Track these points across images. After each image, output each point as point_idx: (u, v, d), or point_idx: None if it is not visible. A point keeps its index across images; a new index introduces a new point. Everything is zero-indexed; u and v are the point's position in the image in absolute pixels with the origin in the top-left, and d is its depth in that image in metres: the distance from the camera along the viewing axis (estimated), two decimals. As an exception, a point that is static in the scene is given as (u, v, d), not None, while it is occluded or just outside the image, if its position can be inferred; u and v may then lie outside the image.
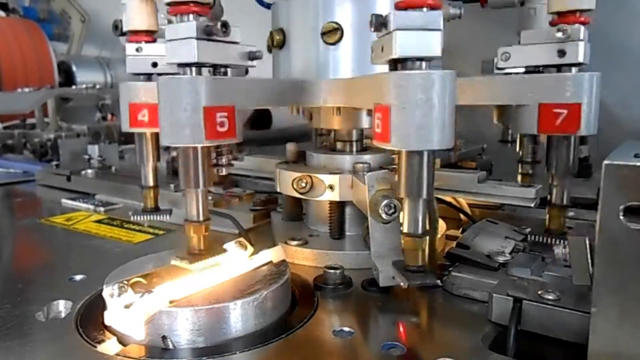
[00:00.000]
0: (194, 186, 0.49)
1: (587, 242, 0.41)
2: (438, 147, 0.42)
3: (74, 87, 2.03)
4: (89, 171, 1.15)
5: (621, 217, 0.35)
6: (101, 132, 1.57)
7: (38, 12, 2.55)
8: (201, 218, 0.50)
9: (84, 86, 1.86)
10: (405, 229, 0.46)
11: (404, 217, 0.46)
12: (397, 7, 0.42)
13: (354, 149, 0.69)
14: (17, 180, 1.26)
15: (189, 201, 0.50)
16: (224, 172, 0.59)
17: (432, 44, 0.41)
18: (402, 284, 0.46)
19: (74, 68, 2.23)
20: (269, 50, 0.69)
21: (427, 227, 0.47)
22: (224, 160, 0.52)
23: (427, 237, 0.46)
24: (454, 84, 0.42)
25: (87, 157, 1.29)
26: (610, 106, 1.01)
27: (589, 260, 0.41)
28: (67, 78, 2.24)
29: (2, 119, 1.85)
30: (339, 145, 0.70)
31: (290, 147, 0.74)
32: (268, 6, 0.72)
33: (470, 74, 0.58)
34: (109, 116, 1.77)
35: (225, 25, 0.45)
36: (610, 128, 0.95)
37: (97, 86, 1.88)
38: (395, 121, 0.42)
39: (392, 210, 0.52)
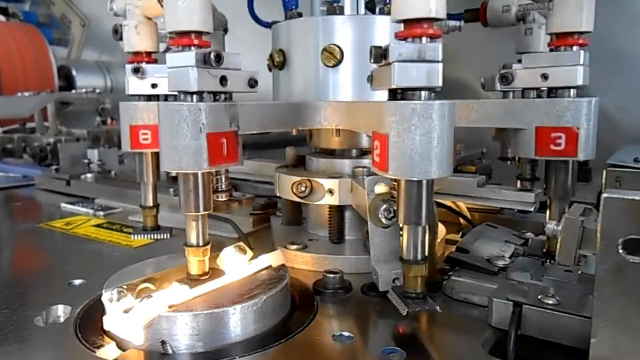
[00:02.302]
0: (194, 210, 0.48)
1: (581, 224, 0.41)
2: (436, 176, 0.42)
3: (73, 91, 2.03)
4: (89, 175, 1.15)
5: (620, 251, 0.35)
6: (101, 136, 1.57)
7: (38, 17, 2.56)
8: (200, 243, 0.50)
9: (83, 90, 1.86)
10: (404, 255, 0.47)
11: (403, 243, 0.47)
12: (397, 37, 0.42)
13: (353, 153, 0.69)
14: (16, 185, 1.26)
15: (189, 226, 0.49)
16: (223, 197, 0.59)
17: (431, 74, 0.41)
18: (401, 311, 0.46)
19: (74, 72, 2.23)
20: (270, 70, 0.70)
21: (426, 252, 0.47)
22: (223, 186, 0.52)
23: (427, 264, 0.47)
24: (453, 114, 0.42)
25: (86, 161, 1.29)
26: (609, 110, 1.01)
27: (579, 243, 0.41)
28: (67, 82, 2.24)
29: (1, 123, 1.85)
30: (338, 149, 0.70)
31: (290, 151, 0.75)
32: (267, 25, 0.72)
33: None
34: (109, 120, 1.77)
35: (218, 55, 0.45)
36: (610, 132, 0.95)
37: (97, 90, 1.88)
38: (394, 150, 0.42)
39: (392, 215, 0.52)
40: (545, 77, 0.54)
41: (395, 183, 0.47)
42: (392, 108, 0.42)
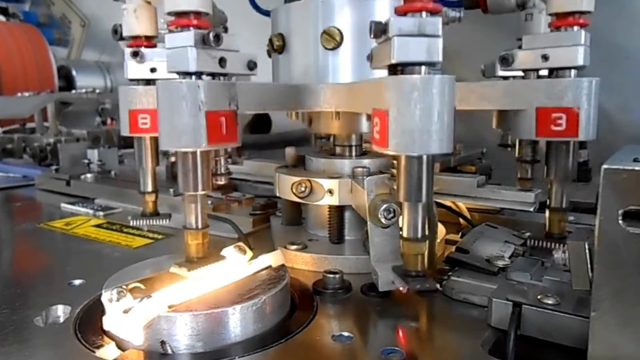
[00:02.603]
0: (193, 190, 0.48)
1: (587, 246, 0.41)
2: (437, 151, 0.42)
3: (73, 91, 2.03)
4: (89, 175, 1.15)
5: (620, 222, 0.35)
6: (101, 136, 1.57)
7: (38, 17, 2.56)
8: (199, 226, 0.50)
9: (83, 90, 1.86)
10: (404, 234, 0.46)
11: (403, 221, 0.46)
12: (397, 12, 0.42)
13: (353, 153, 0.69)
14: (16, 185, 1.26)
15: (188, 208, 0.50)
16: (222, 181, 0.59)
17: (431, 49, 0.41)
18: (401, 288, 0.45)
19: (73, 72, 2.23)
20: (269, 55, 0.69)
21: (427, 231, 0.47)
22: (222, 169, 0.52)
23: (427, 242, 0.46)
24: (453, 89, 0.42)
25: (86, 161, 1.29)
26: (609, 110, 1.01)
27: (588, 265, 0.41)
28: (67, 82, 2.25)
29: (1, 123, 1.85)
30: (338, 149, 0.70)
31: (290, 151, 0.74)
32: (267, 13, 0.72)
33: (469, 79, 0.58)
34: (109, 120, 1.77)
35: (217, 36, 0.45)
36: (610, 132, 0.95)
37: (97, 91, 1.88)
38: (394, 126, 0.42)
39: (391, 215, 0.52)
40: (545, 57, 0.53)
41: (394, 183, 0.47)
42: (391, 83, 0.42)
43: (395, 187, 0.46)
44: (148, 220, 0.68)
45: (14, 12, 2.56)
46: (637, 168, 0.34)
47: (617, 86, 1.00)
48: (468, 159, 0.94)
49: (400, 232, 0.47)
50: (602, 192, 0.35)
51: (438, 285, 0.45)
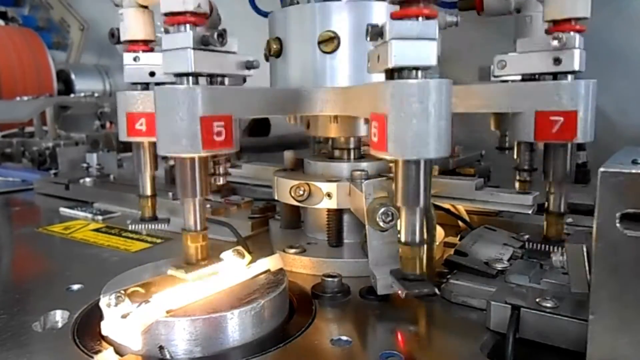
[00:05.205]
0: (191, 196, 0.49)
1: (585, 249, 0.41)
2: (434, 155, 0.42)
3: (72, 95, 2.03)
4: (88, 179, 1.15)
5: (618, 225, 0.35)
6: (100, 140, 1.57)
7: (37, 21, 2.55)
8: (198, 228, 0.50)
9: (82, 94, 1.86)
10: (402, 238, 0.46)
11: (401, 225, 0.46)
12: (393, 16, 0.42)
13: (352, 156, 0.69)
14: (15, 189, 1.26)
15: (186, 211, 0.50)
16: (221, 181, 0.59)
17: (427, 53, 0.41)
18: (400, 292, 0.45)
19: (72, 76, 2.23)
20: (266, 59, 0.69)
21: (425, 235, 0.47)
22: (221, 170, 0.52)
23: (424, 246, 0.46)
24: (450, 92, 0.42)
25: (85, 165, 1.29)
26: (608, 112, 1.01)
27: (587, 268, 0.41)
28: (66, 86, 2.24)
29: (0, 127, 1.85)
30: (336, 152, 0.70)
31: (288, 154, 0.75)
32: (266, 14, 0.72)
33: (466, 81, 0.58)
34: (108, 124, 1.77)
35: (221, 35, 0.45)
36: (608, 134, 0.95)
37: (96, 94, 1.88)
38: (392, 130, 0.42)
39: (390, 218, 0.52)
40: (542, 62, 0.53)
41: (392, 180, 0.47)
42: (389, 87, 0.42)
43: (393, 190, 0.46)
44: (147, 225, 0.68)
45: (12, 16, 2.56)
46: (634, 171, 0.34)
47: (615, 88, 1.01)
48: (467, 162, 0.94)
49: (398, 236, 0.47)
50: (599, 194, 0.35)
51: (436, 290, 0.45)
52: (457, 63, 1.04)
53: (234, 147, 0.50)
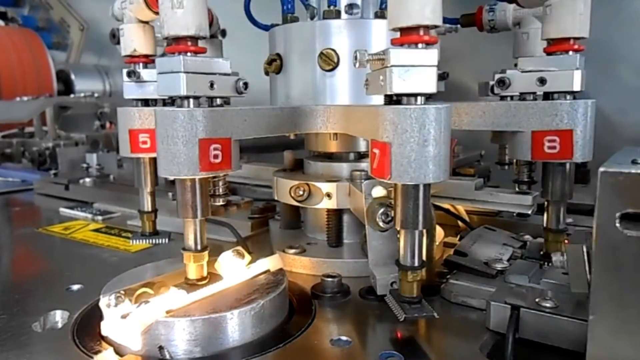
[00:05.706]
0: (192, 217, 0.48)
1: (585, 249, 0.41)
2: (433, 180, 0.42)
3: (72, 95, 2.03)
4: (87, 180, 1.15)
5: (618, 225, 0.35)
6: (99, 140, 1.57)
7: (37, 21, 2.55)
8: (199, 248, 0.50)
9: (82, 95, 1.86)
10: (401, 261, 0.47)
11: (400, 248, 0.47)
12: (394, 43, 0.42)
13: (351, 156, 0.69)
14: (15, 189, 1.26)
15: (187, 231, 0.49)
16: (220, 202, 0.59)
17: (427, 80, 0.41)
18: (398, 316, 0.46)
19: (72, 76, 2.23)
20: (266, 74, 0.70)
21: (424, 257, 0.47)
22: (220, 190, 0.52)
23: (424, 269, 0.47)
24: (449, 117, 0.42)
25: (85, 165, 1.29)
26: (607, 112, 1.01)
27: (587, 268, 0.41)
28: (66, 86, 2.24)
29: (0, 127, 1.85)
30: (336, 153, 0.70)
31: (288, 154, 0.75)
32: (266, 28, 0.72)
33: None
34: (108, 124, 1.77)
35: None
36: (608, 134, 0.95)
37: (96, 95, 1.88)
38: (391, 155, 0.42)
39: (389, 219, 0.52)
40: (542, 81, 0.54)
41: (392, 188, 0.47)
42: (388, 113, 0.42)
43: (393, 190, 0.46)
44: (148, 240, 0.71)
45: (12, 17, 2.56)
46: (634, 171, 0.34)
47: (615, 88, 1.01)
48: (467, 162, 0.94)
49: (397, 259, 0.47)
50: (599, 195, 0.35)
51: (435, 314, 0.46)
52: (457, 62, 1.04)
53: (233, 167, 0.50)
